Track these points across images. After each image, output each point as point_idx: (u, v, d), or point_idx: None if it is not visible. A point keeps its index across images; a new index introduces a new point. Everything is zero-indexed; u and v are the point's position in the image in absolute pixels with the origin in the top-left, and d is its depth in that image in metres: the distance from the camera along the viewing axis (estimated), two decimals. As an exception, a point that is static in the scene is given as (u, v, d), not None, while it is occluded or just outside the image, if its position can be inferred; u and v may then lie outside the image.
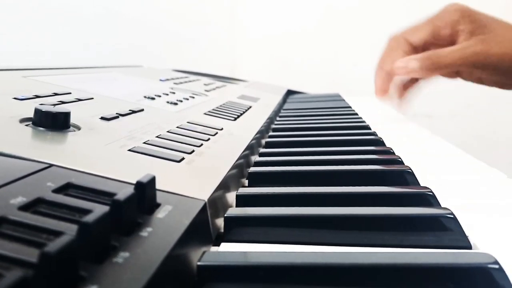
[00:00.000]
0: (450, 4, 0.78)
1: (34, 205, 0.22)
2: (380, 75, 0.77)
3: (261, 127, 0.63)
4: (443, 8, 0.77)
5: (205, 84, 0.97)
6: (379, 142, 0.56)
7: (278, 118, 0.81)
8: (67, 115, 0.36)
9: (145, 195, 0.25)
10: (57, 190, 0.24)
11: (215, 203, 0.32)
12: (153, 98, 0.63)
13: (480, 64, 0.73)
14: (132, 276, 0.19)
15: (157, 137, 0.41)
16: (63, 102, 0.46)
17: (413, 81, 0.82)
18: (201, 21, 1.67)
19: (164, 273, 0.20)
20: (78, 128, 0.38)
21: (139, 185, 0.24)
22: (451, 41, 0.75)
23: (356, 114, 0.82)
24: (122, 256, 0.20)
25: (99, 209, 0.20)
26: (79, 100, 0.49)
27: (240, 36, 1.67)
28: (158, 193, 0.26)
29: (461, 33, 0.74)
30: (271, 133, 0.65)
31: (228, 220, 0.31)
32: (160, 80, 0.89)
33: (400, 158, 0.46)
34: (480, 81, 0.78)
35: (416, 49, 0.76)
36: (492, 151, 1.06)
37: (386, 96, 0.78)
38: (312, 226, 0.31)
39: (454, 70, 0.76)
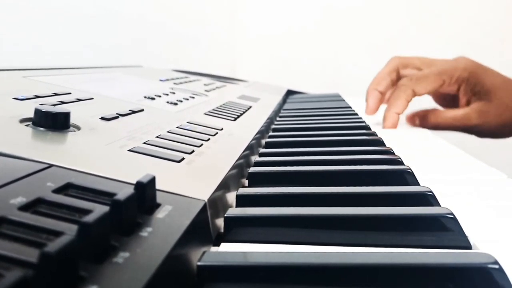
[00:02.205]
0: (462, 57, 0.82)
1: (34, 205, 0.22)
2: (374, 96, 0.82)
3: (261, 127, 0.63)
4: (454, 60, 0.81)
5: (205, 84, 0.97)
6: (379, 142, 0.56)
7: (278, 118, 0.81)
8: (67, 115, 0.36)
9: (145, 195, 0.25)
10: (57, 190, 0.24)
11: (215, 203, 0.32)
12: (153, 98, 0.63)
13: (477, 131, 0.83)
14: (132, 276, 0.19)
15: (157, 137, 0.41)
16: (63, 102, 0.46)
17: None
18: (201, 21, 1.67)
19: (164, 273, 0.20)
20: (78, 128, 0.38)
21: (139, 185, 0.24)
22: (456, 94, 0.81)
23: (356, 114, 0.82)
24: (122, 256, 0.20)
25: (99, 209, 0.20)
26: (79, 100, 0.49)
27: (240, 36, 1.67)
28: (158, 193, 0.26)
29: (464, 92, 0.80)
30: (271, 133, 0.65)
31: (228, 220, 0.31)
32: (160, 80, 0.89)
33: (400, 158, 0.46)
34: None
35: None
36: (492, 151, 1.06)
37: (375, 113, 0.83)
38: (312, 226, 0.31)
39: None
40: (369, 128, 0.67)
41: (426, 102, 0.86)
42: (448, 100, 0.86)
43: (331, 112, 0.84)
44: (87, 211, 0.22)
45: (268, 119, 0.72)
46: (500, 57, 0.82)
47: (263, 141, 0.60)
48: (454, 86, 0.80)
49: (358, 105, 0.92)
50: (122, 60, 1.48)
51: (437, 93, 0.85)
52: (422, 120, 0.81)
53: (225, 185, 0.35)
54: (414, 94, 0.77)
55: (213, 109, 0.65)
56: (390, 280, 0.24)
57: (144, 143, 0.38)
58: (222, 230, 0.31)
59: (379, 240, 0.30)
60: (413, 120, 0.82)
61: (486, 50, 0.83)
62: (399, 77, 0.82)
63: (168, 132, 0.44)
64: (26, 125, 0.35)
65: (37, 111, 0.35)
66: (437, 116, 0.81)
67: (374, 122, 0.77)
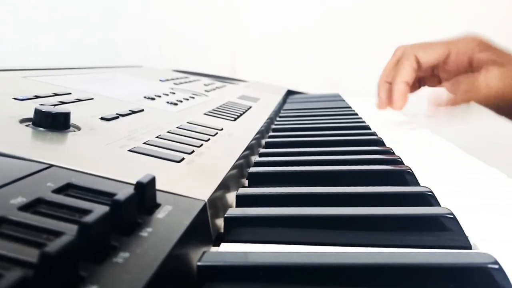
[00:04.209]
0: (467, 34, 0.76)
1: (34, 206, 0.22)
2: (384, 88, 0.76)
3: (261, 127, 0.63)
4: (459, 36, 0.76)
5: (205, 85, 0.97)
6: (379, 142, 0.56)
7: (278, 118, 0.81)
8: (67, 115, 0.36)
9: (145, 195, 0.25)
10: (57, 191, 0.24)
11: (215, 203, 0.32)
12: (153, 99, 0.63)
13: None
14: (132, 276, 0.19)
15: (157, 137, 0.41)
16: (63, 103, 0.46)
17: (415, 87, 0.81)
18: (201, 21, 1.67)
19: (164, 273, 0.20)
20: (78, 128, 0.38)
21: (139, 185, 0.24)
22: (467, 69, 0.74)
23: (356, 114, 0.82)
24: (122, 256, 0.20)
25: (99, 209, 0.20)
26: (79, 100, 0.49)
27: (240, 36, 1.67)
28: (158, 193, 0.26)
29: (480, 62, 0.72)
30: (271, 133, 0.65)
31: (228, 220, 0.31)
32: (160, 80, 0.89)
33: (400, 158, 0.46)
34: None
35: (422, 69, 0.75)
36: (492, 151, 1.06)
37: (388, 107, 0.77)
38: (312, 226, 0.31)
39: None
40: (369, 128, 0.67)
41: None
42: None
43: (331, 112, 0.84)
44: (87, 211, 0.22)
45: (268, 119, 0.72)
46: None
47: (263, 141, 0.60)
48: (463, 57, 0.74)
49: (358, 105, 0.92)
50: (122, 60, 1.48)
51: (448, 68, 0.76)
52: (458, 96, 0.70)
53: (225, 185, 0.35)
54: (418, 62, 0.72)
55: (213, 109, 0.65)
56: (390, 280, 0.24)
57: (144, 143, 0.38)
58: (222, 230, 0.31)
59: (379, 240, 0.30)
60: (438, 103, 0.71)
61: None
62: None
63: (168, 132, 0.44)
64: (26, 125, 0.35)
65: (37, 111, 0.35)
66: (474, 88, 0.70)
67: (374, 122, 0.77)
